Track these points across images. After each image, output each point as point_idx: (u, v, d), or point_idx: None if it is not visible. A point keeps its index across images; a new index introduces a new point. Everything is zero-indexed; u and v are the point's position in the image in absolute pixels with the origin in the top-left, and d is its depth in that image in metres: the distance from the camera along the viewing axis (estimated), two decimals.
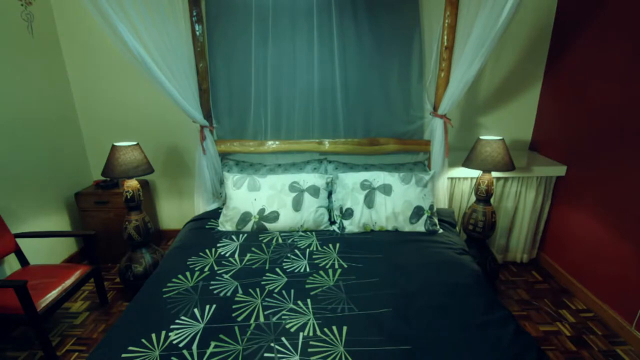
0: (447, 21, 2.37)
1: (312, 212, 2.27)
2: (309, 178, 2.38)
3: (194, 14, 2.41)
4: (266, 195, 2.29)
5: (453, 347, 1.34)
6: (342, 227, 2.27)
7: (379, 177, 2.33)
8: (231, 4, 2.46)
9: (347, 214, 2.27)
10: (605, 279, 2.25)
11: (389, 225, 2.24)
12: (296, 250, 2.04)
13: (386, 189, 2.28)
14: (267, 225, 2.25)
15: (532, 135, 2.98)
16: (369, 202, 2.26)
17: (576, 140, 2.49)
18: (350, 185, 2.33)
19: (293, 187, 2.31)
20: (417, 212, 2.24)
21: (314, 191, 2.32)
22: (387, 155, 2.72)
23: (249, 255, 1.99)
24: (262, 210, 2.25)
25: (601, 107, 2.27)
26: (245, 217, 2.25)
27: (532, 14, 2.65)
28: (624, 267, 2.09)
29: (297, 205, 2.27)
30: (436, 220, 2.26)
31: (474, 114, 2.87)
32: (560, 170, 2.57)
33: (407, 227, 2.23)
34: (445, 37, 2.40)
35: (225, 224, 2.28)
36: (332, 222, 2.35)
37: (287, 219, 2.25)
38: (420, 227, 2.23)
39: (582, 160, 2.45)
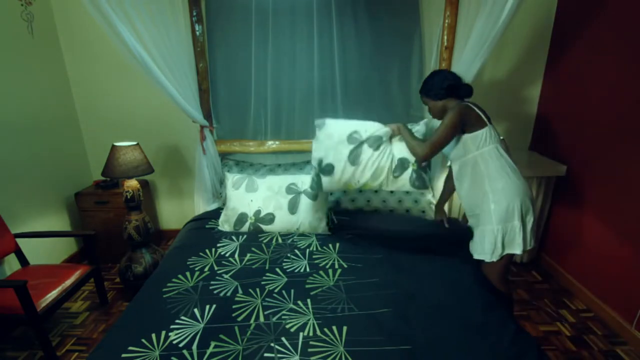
0: (447, 21, 2.37)
1: (308, 215, 2.21)
2: (307, 180, 2.25)
3: (194, 14, 2.41)
4: (262, 196, 2.25)
5: (453, 346, 1.34)
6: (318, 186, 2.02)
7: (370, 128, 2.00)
8: (231, 4, 2.46)
9: (327, 170, 1.97)
10: (605, 279, 2.25)
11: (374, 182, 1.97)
12: (296, 250, 2.04)
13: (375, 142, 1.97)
14: (263, 227, 2.21)
15: (532, 135, 2.98)
16: (354, 158, 1.94)
17: (576, 140, 2.49)
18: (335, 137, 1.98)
19: (290, 189, 2.26)
20: (402, 165, 1.95)
21: (313, 194, 2.25)
22: None
23: (249, 255, 1.99)
24: (257, 212, 2.22)
25: (601, 107, 2.27)
26: (242, 218, 2.23)
27: (532, 14, 2.65)
28: (624, 267, 2.09)
29: (292, 207, 2.21)
30: (424, 176, 1.98)
31: None
32: (560, 170, 2.57)
33: (391, 183, 1.98)
34: (445, 37, 2.40)
35: (224, 224, 2.28)
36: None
37: (283, 221, 2.20)
38: (405, 181, 1.96)
39: (582, 160, 2.45)
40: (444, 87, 1.80)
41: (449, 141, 1.75)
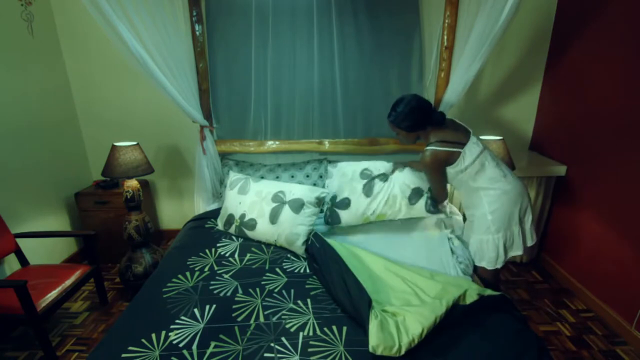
0: (447, 21, 2.37)
1: (286, 228, 2.01)
2: (297, 190, 2.11)
3: (194, 14, 2.41)
4: (250, 201, 2.15)
5: (453, 342, 1.34)
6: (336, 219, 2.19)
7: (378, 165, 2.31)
8: (231, 4, 2.46)
9: (344, 204, 2.18)
10: (605, 279, 2.25)
11: (389, 210, 2.15)
12: None
13: (385, 177, 2.23)
14: (247, 232, 2.12)
15: (532, 135, 2.98)
16: (367, 191, 2.19)
17: (576, 140, 2.49)
18: (349, 174, 2.26)
19: (276, 197, 2.11)
20: (417, 193, 2.14)
21: (297, 206, 2.04)
22: (387, 155, 2.72)
23: (248, 255, 1.99)
24: (243, 216, 2.14)
25: (601, 107, 2.27)
26: (230, 219, 2.19)
27: (532, 14, 2.65)
28: (624, 267, 2.09)
29: (273, 217, 2.05)
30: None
31: (474, 114, 2.87)
32: (560, 170, 2.57)
33: (405, 210, 2.15)
34: (445, 37, 2.41)
35: (219, 222, 2.28)
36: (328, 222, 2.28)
37: (264, 229, 2.06)
38: (420, 209, 2.14)
39: (582, 160, 2.45)
40: (417, 120, 1.78)
41: (443, 180, 1.87)
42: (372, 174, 2.24)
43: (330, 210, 2.22)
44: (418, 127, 1.80)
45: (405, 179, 2.18)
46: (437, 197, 2.03)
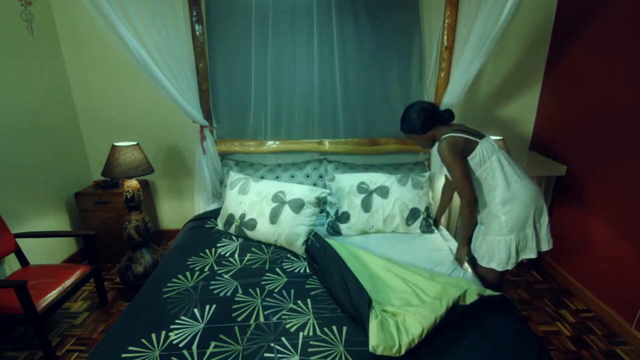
0: (447, 21, 2.37)
1: (286, 228, 2.02)
2: (297, 190, 2.13)
3: (194, 14, 2.41)
4: (250, 201, 2.16)
5: (453, 342, 1.34)
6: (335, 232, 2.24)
7: (376, 179, 2.31)
8: (231, 4, 2.46)
9: (343, 217, 2.24)
10: (605, 279, 2.25)
11: (387, 228, 2.23)
12: None
13: (383, 191, 2.27)
14: (247, 231, 2.13)
15: (532, 135, 2.98)
16: (366, 205, 2.24)
17: (576, 140, 2.49)
18: (346, 188, 2.29)
19: (277, 197, 2.12)
20: (414, 214, 2.24)
21: (297, 206, 2.06)
22: (387, 155, 2.72)
23: (248, 255, 1.99)
24: (243, 215, 2.15)
25: (601, 107, 2.27)
26: (230, 219, 2.20)
27: (532, 14, 2.65)
28: (624, 267, 2.09)
29: (274, 217, 2.05)
30: (431, 221, 2.26)
31: (474, 114, 2.87)
32: (560, 170, 2.57)
33: (403, 229, 2.24)
34: (445, 37, 2.41)
35: (218, 222, 2.28)
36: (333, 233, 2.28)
37: (264, 229, 2.07)
38: (415, 229, 2.24)
39: (582, 160, 2.45)
40: (426, 119, 1.80)
41: (465, 168, 1.73)
42: (369, 187, 2.27)
43: (332, 222, 2.25)
44: (429, 125, 1.81)
45: (404, 198, 2.23)
46: (463, 193, 1.75)
